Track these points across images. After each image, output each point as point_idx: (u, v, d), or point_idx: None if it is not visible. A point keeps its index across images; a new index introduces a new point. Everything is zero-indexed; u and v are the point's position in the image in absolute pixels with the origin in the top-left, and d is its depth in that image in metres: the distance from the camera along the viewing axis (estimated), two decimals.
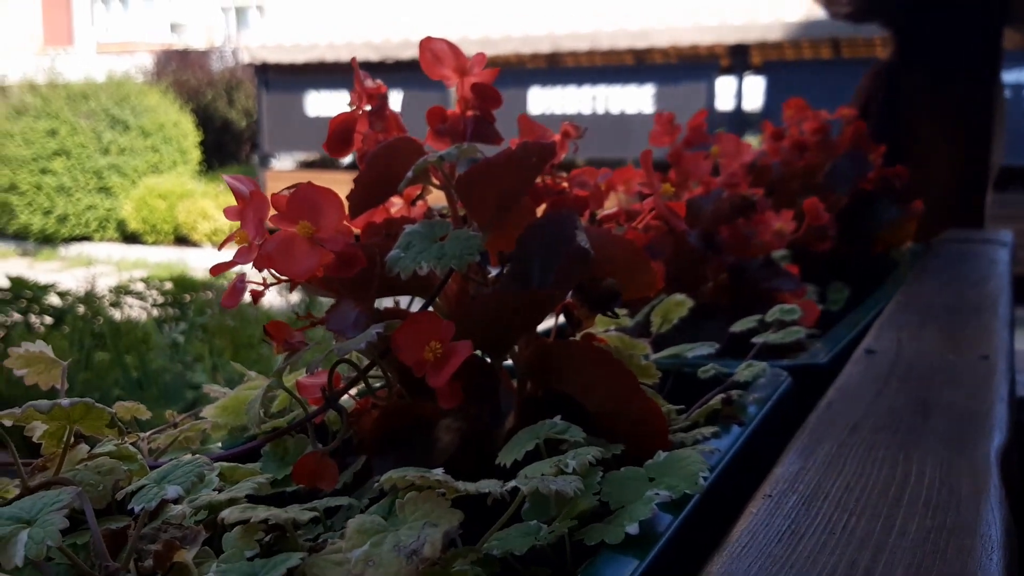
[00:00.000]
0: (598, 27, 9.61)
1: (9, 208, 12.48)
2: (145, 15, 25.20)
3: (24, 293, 5.44)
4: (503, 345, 0.56)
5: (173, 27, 24.51)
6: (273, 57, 11.17)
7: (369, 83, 0.60)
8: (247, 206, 0.50)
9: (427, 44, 0.61)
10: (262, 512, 0.36)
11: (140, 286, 5.76)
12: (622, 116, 9.74)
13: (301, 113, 11.21)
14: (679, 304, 0.75)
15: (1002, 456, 0.52)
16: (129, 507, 0.38)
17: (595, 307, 0.57)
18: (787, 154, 1.45)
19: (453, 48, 0.61)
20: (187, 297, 5.58)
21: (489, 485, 0.40)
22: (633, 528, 0.41)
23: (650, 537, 0.42)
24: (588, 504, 0.45)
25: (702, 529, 0.45)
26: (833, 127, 1.46)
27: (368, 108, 0.60)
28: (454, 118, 0.62)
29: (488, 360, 0.55)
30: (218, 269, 0.50)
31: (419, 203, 0.66)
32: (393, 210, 0.66)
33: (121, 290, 5.69)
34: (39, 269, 10.38)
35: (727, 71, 9.71)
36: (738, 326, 0.76)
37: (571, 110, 10.03)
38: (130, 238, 12.31)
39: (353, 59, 0.62)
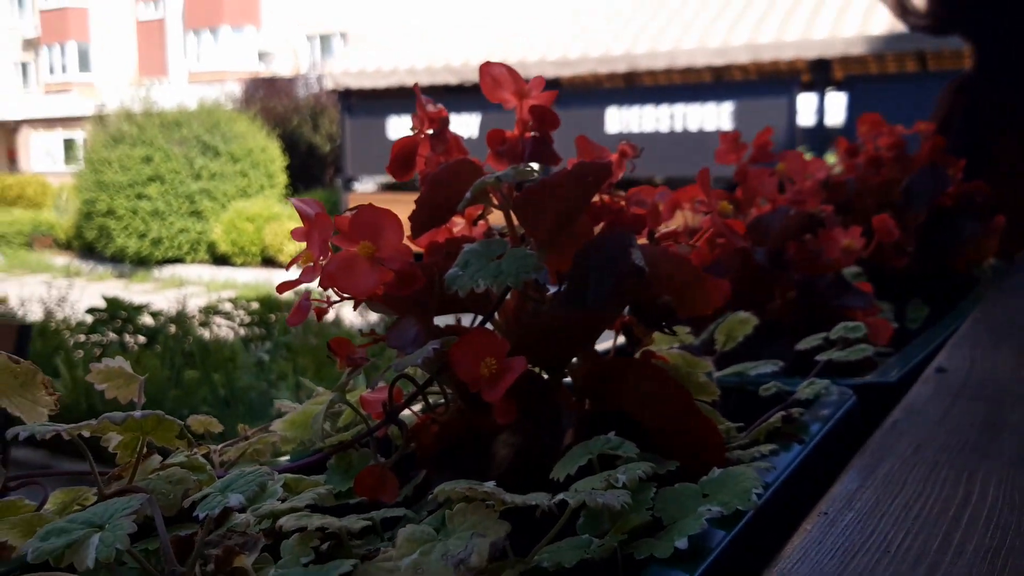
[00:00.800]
0: (676, 45, 9.57)
1: (107, 232, 13.06)
2: (234, 45, 26.16)
3: (119, 313, 5.68)
4: (559, 362, 0.57)
5: (261, 56, 25.38)
6: (355, 83, 11.45)
7: (431, 108, 0.62)
8: (312, 227, 0.52)
9: (487, 69, 0.63)
10: (317, 520, 0.38)
11: (228, 306, 5.96)
12: (700, 133, 9.65)
13: (383, 137, 11.44)
14: (743, 322, 0.75)
15: None
16: (195, 514, 0.40)
17: (651, 324, 0.57)
18: (862, 170, 1.42)
19: (512, 72, 0.63)
20: (272, 317, 5.75)
21: (537, 498, 0.41)
22: (682, 542, 0.41)
23: (700, 552, 0.42)
24: (641, 519, 0.45)
25: (756, 545, 0.45)
26: (911, 143, 1.43)
27: (430, 132, 0.62)
28: (513, 140, 0.63)
29: (545, 376, 0.56)
30: (285, 287, 0.52)
31: (480, 223, 0.67)
32: (455, 230, 0.68)
33: (210, 310, 5.90)
34: (134, 290, 10.82)
35: (808, 86, 9.55)
36: (803, 344, 0.75)
37: (649, 128, 10.00)
38: (219, 260, 12.74)
39: (415, 85, 0.64)
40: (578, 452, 0.49)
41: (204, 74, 25.59)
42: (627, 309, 0.59)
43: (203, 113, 13.09)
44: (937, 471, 0.50)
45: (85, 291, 7.55)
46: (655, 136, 9.96)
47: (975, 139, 1.72)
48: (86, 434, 0.46)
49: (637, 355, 0.63)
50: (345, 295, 0.52)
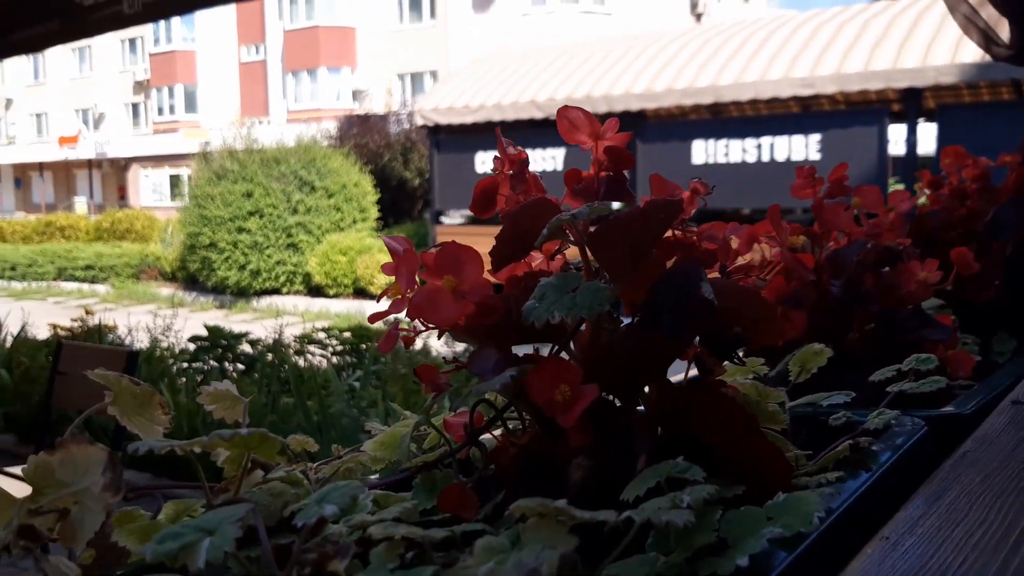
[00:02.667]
0: (761, 76, 9.48)
1: (209, 263, 13.60)
2: (331, 85, 27.06)
3: (220, 342, 5.92)
4: (632, 389, 0.60)
5: (356, 95, 26.19)
6: (444, 119, 11.71)
7: (511, 150, 0.66)
8: (400, 262, 0.57)
9: (564, 112, 0.67)
10: (403, 529, 0.42)
11: (321, 335, 6.13)
12: (788, 164, 9.51)
13: (471, 171, 11.64)
14: (817, 354, 0.76)
15: None
16: (294, 522, 0.44)
17: (721, 355, 0.60)
18: (946, 202, 1.40)
19: (587, 115, 0.66)
20: (364, 346, 5.90)
21: (606, 514, 0.44)
22: (743, 560, 0.43)
23: (762, 571, 0.44)
24: (706, 539, 0.47)
25: (817, 567, 0.46)
26: (996, 174, 1.40)
27: (510, 172, 0.66)
28: (589, 179, 0.67)
29: (618, 403, 0.59)
30: (375, 318, 0.57)
31: (557, 258, 0.71)
32: (534, 264, 0.72)
33: (305, 339, 6.09)
34: (233, 320, 11.22)
35: (899, 116, 9.32)
36: (877, 376, 0.76)
37: (735, 159, 9.91)
38: (314, 291, 13.12)
39: (496, 128, 0.68)
40: (648, 475, 0.52)
41: (302, 112, 26.53)
42: (698, 340, 0.61)
43: (300, 150, 13.57)
44: (1003, 500, 0.51)
45: (188, 320, 7.88)
46: (742, 167, 9.86)
47: None
48: (197, 450, 0.52)
49: (708, 383, 0.65)
50: (430, 325, 0.56)
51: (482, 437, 0.61)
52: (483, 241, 0.57)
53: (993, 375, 0.90)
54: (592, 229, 0.62)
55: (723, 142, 10.02)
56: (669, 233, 0.66)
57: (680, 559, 0.46)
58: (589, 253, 0.63)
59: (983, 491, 0.53)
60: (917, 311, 0.92)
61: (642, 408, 0.63)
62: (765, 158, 9.76)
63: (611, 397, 0.62)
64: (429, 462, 0.61)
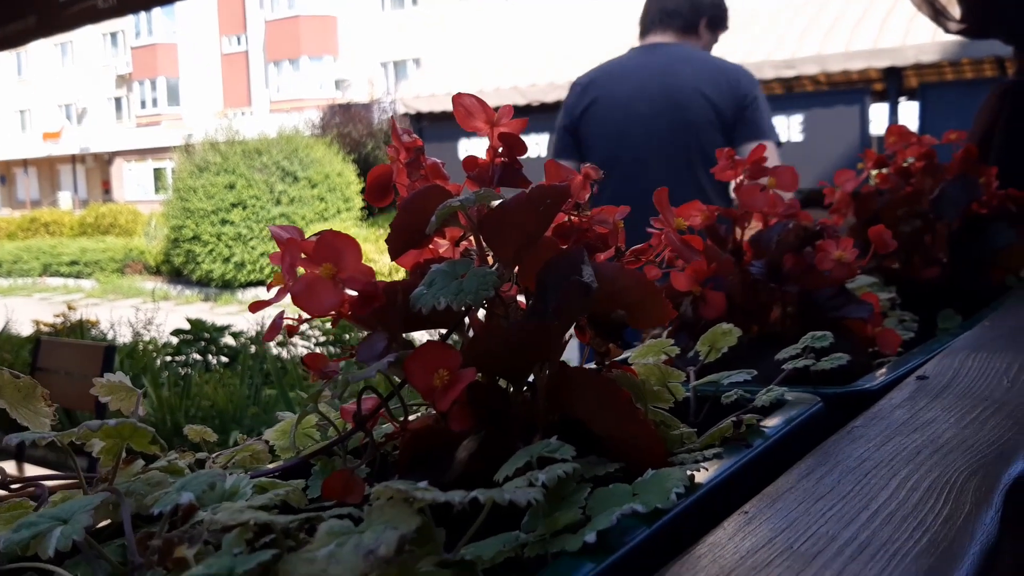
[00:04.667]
0: (744, 58, 9.46)
1: (193, 257, 13.56)
2: (313, 74, 26.93)
3: (202, 335, 5.91)
4: (520, 372, 0.60)
5: (338, 84, 26.06)
6: (426, 107, 11.66)
7: (406, 138, 0.67)
8: (284, 251, 0.57)
9: (458, 99, 0.67)
10: (249, 515, 0.42)
11: (304, 327, 6.13)
12: None
13: (454, 158, 11.60)
14: (726, 333, 0.77)
15: (1016, 484, 0.51)
16: (151, 511, 0.45)
17: (606, 337, 0.60)
18: (892, 181, 1.41)
19: (482, 103, 0.67)
20: (347, 336, 5.90)
21: (454, 495, 0.44)
22: (591, 537, 0.44)
23: (612, 547, 0.45)
24: (571, 517, 0.48)
25: (678, 541, 0.47)
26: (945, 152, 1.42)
27: (405, 160, 0.67)
28: (484, 165, 0.67)
29: (502, 386, 0.60)
30: (256, 307, 0.57)
31: (463, 243, 0.71)
32: (440, 251, 0.72)
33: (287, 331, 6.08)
34: (218, 313, 11.19)
35: (881, 96, 9.33)
36: (782, 354, 0.77)
37: None
38: None
39: (391, 117, 0.68)
40: (520, 455, 0.52)
41: (284, 103, 26.40)
42: (573, 323, 0.62)
43: (282, 140, 13.52)
44: (873, 474, 0.52)
45: (172, 314, 7.86)
46: None
47: (1018, 145, 1.69)
48: (77, 441, 0.52)
49: (605, 365, 0.66)
50: (310, 313, 0.56)
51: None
52: None
53: (911, 351, 0.91)
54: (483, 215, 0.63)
55: None
56: (565, 218, 0.67)
57: (538, 538, 0.46)
58: (481, 239, 0.64)
59: (856, 466, 0.54)
60: (840, 291, 0.93)
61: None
62: None
63: (503, 383, 0.62)
64: (322, 448, 0.62)
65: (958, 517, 0.46)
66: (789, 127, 9.49)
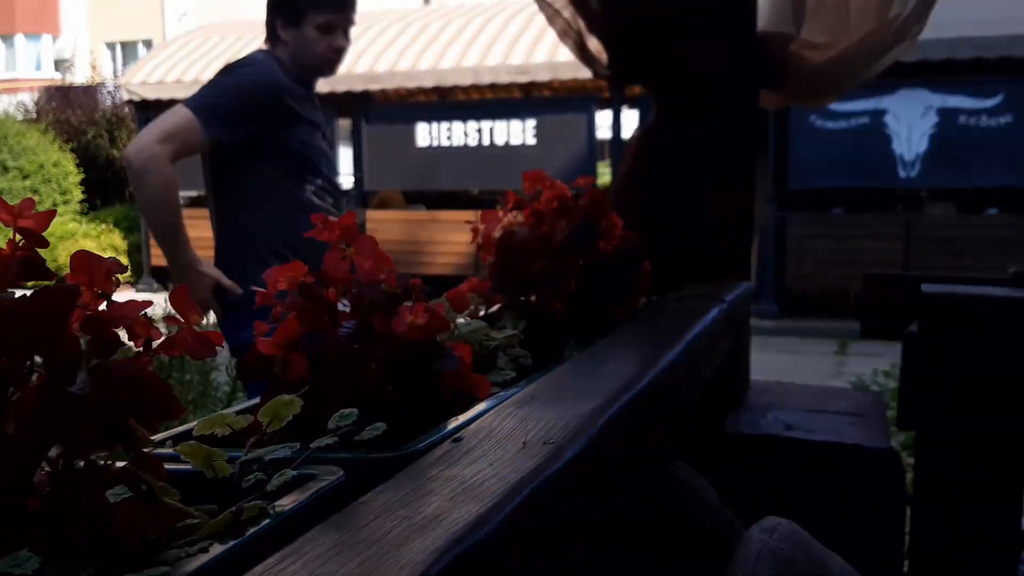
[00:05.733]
0: (480, 62, 9.77)
1: None
2: (29, 53, 24.45)
3: None
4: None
5: (58, 64, 23.84)
6: (153, 94, 10.99)
7: None
8: None
9: None
10: None
11: None
12: (507, 148, 9.90)
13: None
14: (288, 404, 0.80)
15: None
16: None
17: (120, 442, 0.62)
18: (530, 220, 1.53)
19: (2, 201, 0.66)
20: None
21: None
22: None
23: None
24: None
25: None
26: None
27: None
28: (4, 257, 0.66)
29: None
30: None
31: None
32: None
33: None
34: None
35: (607, 104, 9.98)
36: (332, 422, 0.81)
37: (458, 142, 10.16)
38: None
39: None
40: None
41: None
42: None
43: None
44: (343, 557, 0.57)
45: None
46: (464, 150, 10.13)
47: (662, 185, 1.89)
48: None
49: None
50: None
51: None
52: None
53: (495, 393, 0.99)
54: None
55: (446, 125, 10.22)
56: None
57: None
58: None
59: (333, 548, 0.57)
60: (428, 345, 1.00)
61: None
62: (486, 142, 10.08)
63: None
64: None
65: None
66: (525, 131, 9.92)
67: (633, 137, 1.94)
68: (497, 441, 0.81)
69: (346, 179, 11.43)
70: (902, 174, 8.87)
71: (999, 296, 1.71)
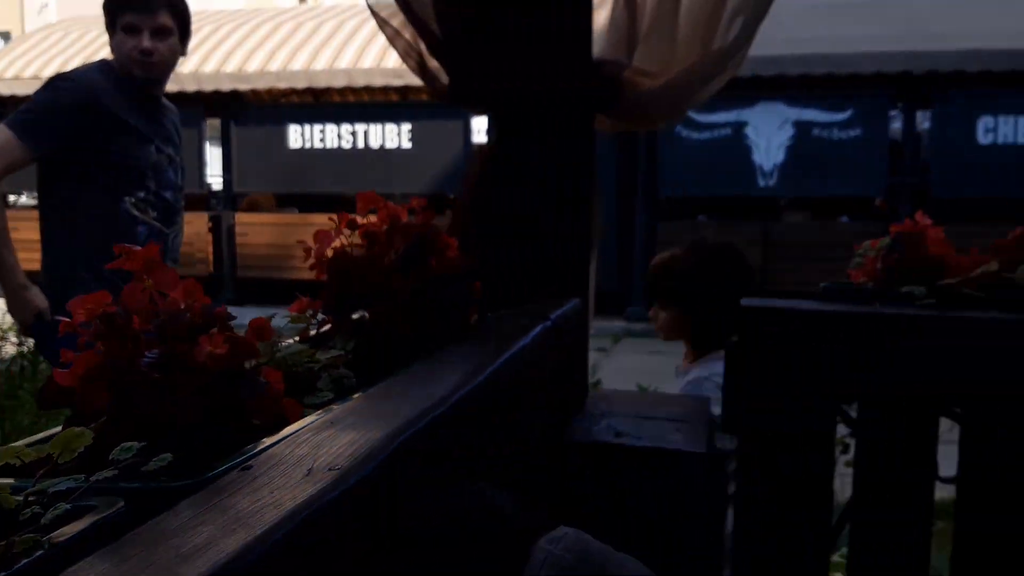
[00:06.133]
0: (354, 64, 9.70)
1: None
2: None
3: None
4: None
5: None
6: (8, 90, 10.42)
7: None
8: None
9: None
10: None
11: None
12: (382, 151, 9.87)
13: None
14: (79, 436, 0.81)
15: None
16: None
17: None
18: (365, 240, 1.56)
19: None
20: None
21: None
22: None
23: None
24: None
25: None
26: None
27: None
28: None
29: None
30: None
31: None
32: None
33: None
34: None
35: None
36: (114, 454, 0.82)
37: (332, 145, 10.06)
38: None
39: None
40: None
41: None
42: None
43: None
44: None
45: None
46: (338, 153, 10.03)
47: (501, 203, 1.95)
48: None
49: None
50: None
51: None
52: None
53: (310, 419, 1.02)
54: None
55: (319, 127, 10.10)
56: None
57: None
58: None
59: None
60: (235, 374, 1.02)
61: None
62: (360, 145, 10.01)
63: None
64: None
65: None
66: (400, 135, 9.90)
67: (473, 156, 2.00)
68: (285, 469, 0.84)
69: (215, 180, 11.14)
70: (761, 183, 9.32)
71: (805, 309, 1.86)
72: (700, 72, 2.03)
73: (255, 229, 9.99)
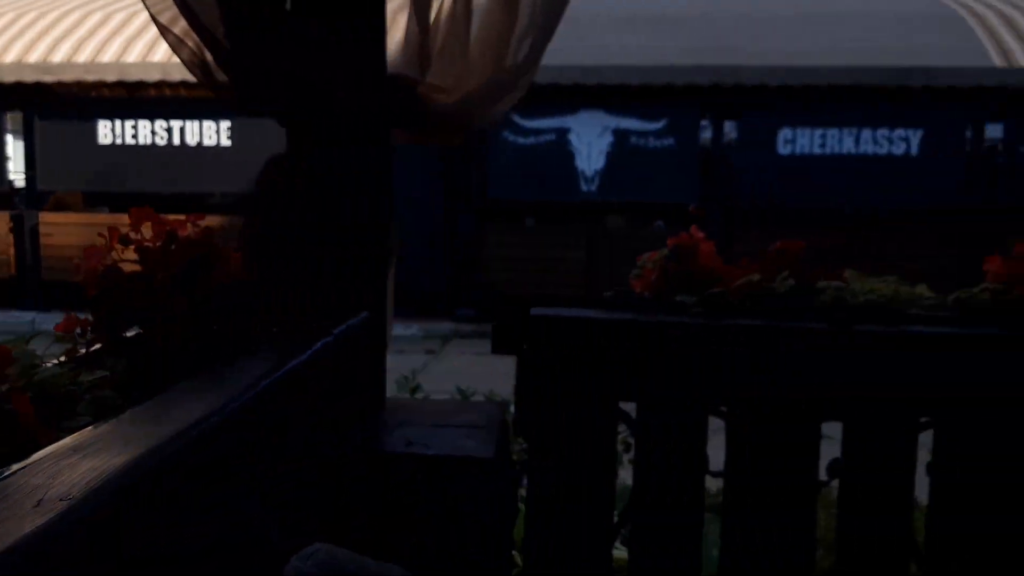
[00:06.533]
0: (169, 58, 9.28)
1: None
2: None
3: None
4: None
5: None
6: None
7: None
8: None
9: None
10: None
11: None
12: (199, 148, 9.50)
13: None
14: None
15: None
16: None
17: None
18: (139, 256, 1.53)
19: None
20: None
21: None
22: None
23: None
24: None
25: None
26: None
27: None
28: None
29: None
30: None
31: None
32: None
33: None
34: None
35: None
36: None
37: (145, 141, 9.59)
38: None
39: None
40: None
41: None
42: None
43: None
44: None
45: None
46: (152, 149, 9.57)
47: (289, 215, 1.94)
48: None
49: None
50: None
51: None
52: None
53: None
54: None
55: (131, 123, 9.60)
56: None
57: None
58: None
59: None
60: None
61: None
62: (176, 141, 9.60)
63: None
64: None
65: None
66: (219, 131, 9.57)
67: (266, 165, 1.98)
68: (16, 499, 0.82)
69: (18, 177, 10.40)
70: (584, 188, 9.64)
71: (588, 318, 1.96)
72: (493, 89, 2.10)
73: (61, 229, 9.38)
